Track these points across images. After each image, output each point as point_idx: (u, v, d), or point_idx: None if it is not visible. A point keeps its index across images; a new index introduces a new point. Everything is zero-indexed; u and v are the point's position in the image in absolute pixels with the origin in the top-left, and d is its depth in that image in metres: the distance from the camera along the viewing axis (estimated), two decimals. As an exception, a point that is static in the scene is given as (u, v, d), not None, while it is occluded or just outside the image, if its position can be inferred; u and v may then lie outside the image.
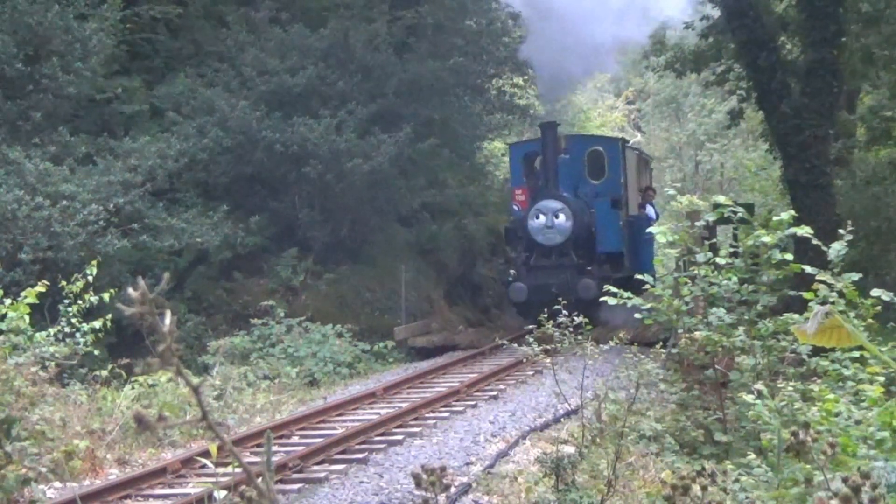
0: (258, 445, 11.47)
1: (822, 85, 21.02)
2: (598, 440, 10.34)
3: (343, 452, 11.46)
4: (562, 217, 21.30)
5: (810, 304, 8.76)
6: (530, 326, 12.40)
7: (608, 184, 22.97)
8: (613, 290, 11.20)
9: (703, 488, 3.45)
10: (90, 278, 14.25)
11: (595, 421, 10.75)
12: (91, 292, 14.10)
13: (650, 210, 24.63)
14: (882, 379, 8.09)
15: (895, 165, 26.26)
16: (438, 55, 25.15)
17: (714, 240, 12.77)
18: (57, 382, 12.48)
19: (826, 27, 20.96)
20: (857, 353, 8.67)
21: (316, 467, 10.87)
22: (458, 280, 27.13)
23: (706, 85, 32.08)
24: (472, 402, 14.62)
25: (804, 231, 9.94)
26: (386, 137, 22.55)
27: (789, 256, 10.53)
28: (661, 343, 12.11)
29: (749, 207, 12.85)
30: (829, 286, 9.26)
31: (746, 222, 10.73)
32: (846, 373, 8.77)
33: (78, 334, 13.98)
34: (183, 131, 21.26)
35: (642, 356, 11.08)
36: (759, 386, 8.30)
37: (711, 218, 11.21)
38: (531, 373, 16.69)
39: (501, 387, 16.04)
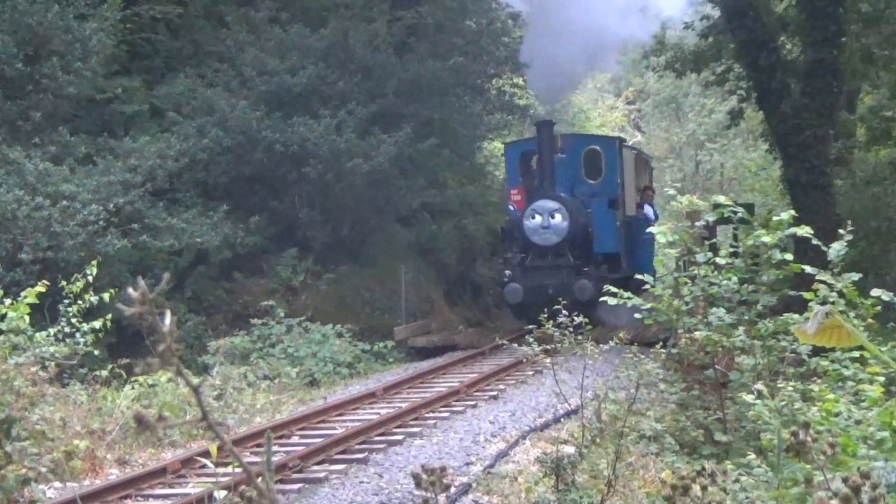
0: (258, 445, 11.47)
1: (822, 85, 21.02)
2: (598, 440, 10.34)
3: (343, 452, 11.46)
4: (558, 217, 21.13)
5: (810, 304, 8.76)
6: (530, 326, 12.38)
7: (605, 183, 22.80)
8: (613, 289, 11.21)
9: (703, 488, 3.45)
10: (90, 278, 14.24)
11: (595, 421, 10.75)
12: (91, 292, 14.10)
13: (649, 210, 24.49)
14: (882, 379, 8.09)
15: (895, 165, 26.26)
16: (438, 55, 25.14)
17: (714, 240, 12.76)
18: (57, 382, 12.48)
19: (826, 27, 20.96)
20: (857, 353, 8.67)
21: (316, 467, 10.87)
22: (458, 280, 27.13)
23: (706, 85, 32.09)
24: (472, 402, 14.62)
25: (804, 231, 9.94)
26: (386, 137, 22.54)
27: (789, 256, 10.52)
28: (661, 343, 12.10)
29: (749, 207, 12.85)
30: (829, 286, 9.26)
31: (746, 222, 10.73)
32: (846, 373, 8.76)
33: (78, 334, 13.98)
34: (183, 131, 21.26)
35: (642, 356, 11.08)
36: (759, 386, 8.30)
37: (711, 218, 11.21)
38: (531, 373, 16.69)
39: (501, 387, 16.04)
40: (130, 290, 1.74)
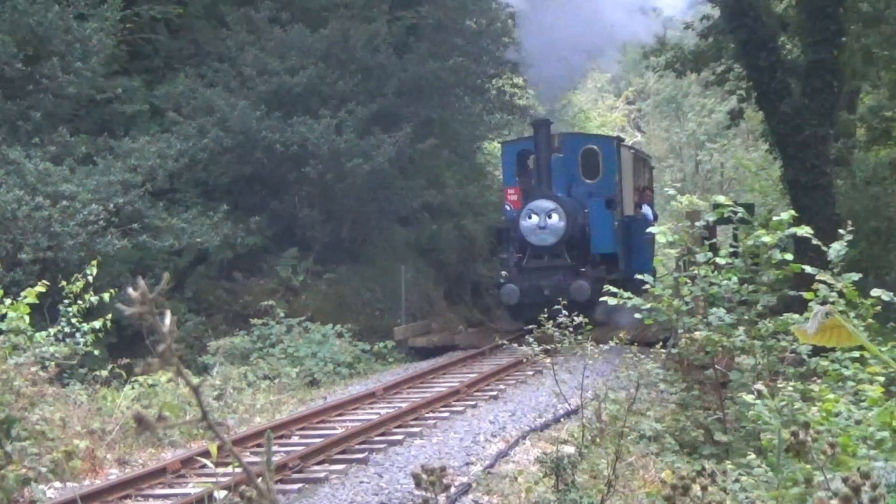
0: (258, 445, 11.47)
1: (822, 85, 21.03)
2: (598, 440, 10.35)
3: (343, 452, 11.46)
4: (555, 217, 20.87)
5: (810, 304, 8.77)
6: (531, 326, 12.37)
7: (603, 183, 22.57)
8: (613, 289, 11.21)
9: (703, 488, 3.45)
10: (90, 278, 14.24)
11: (595, 421, 10.75)
12: (91, 292, 14.09)
13: (647, 210, 24.35)
14: (882, 379, 8.10)
15: (895, 165, 26.27)
16: (438, 55, 25.13)
17: (714, 240, 12.77)
18: (57, 382, 12.49)
19: (826, 27, 20.97)
20: (857, 353, 8.68)
21: (316, 467, 10.87)
22: (458, 280, 27.12)
23: (706, 85, 32.12)
24: (472, 402, 14.61)
25: (804, 231, 9.95)
26: (386, 137, 22.53)
27: (789, 256, 10.54)
28: (661, 343, 12.09)
29: (749, 207, 12.86)
30: (829, 286, 9.27)
31: (746, 222, 10.74)
32: (846, 373, 8.77)
33: (78, 334, 13.97)
34: (183, 131, 21.26)
35: (642, 356, 11.08)
36: (759, 386, 8.30)
37: (711, 218, 11.22)
38: (531, 373, 16.69)
39: (501, 387, 16.03)
40: (130, 290, 1.74)
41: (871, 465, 4.94)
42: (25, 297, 12.65)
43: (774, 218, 10.78)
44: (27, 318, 12.63)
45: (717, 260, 10.86)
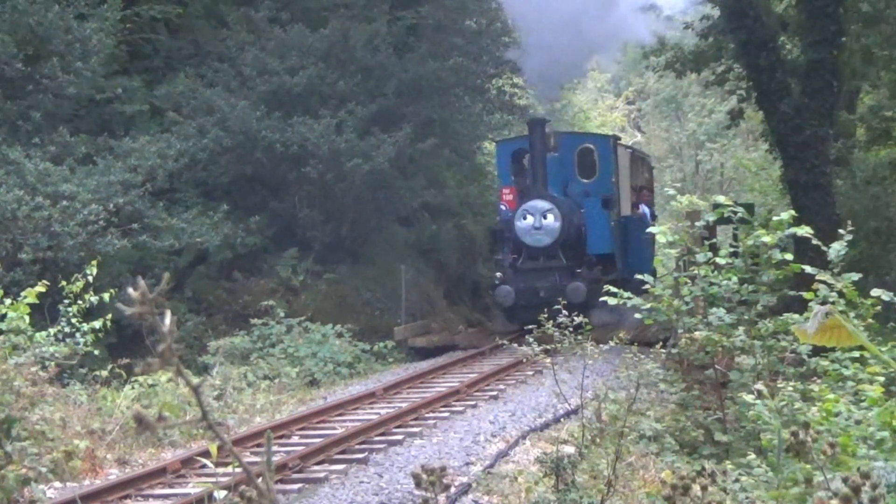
0: (258, 445, 11.47)
1: (822, 85, 21.03)
2: (598, 440, 10.35)
3: (343, 452, 11.46)
4: (550, 218, 20.65)
5: (810, 304, 8.77)
6: (530, 326, 12.35)
7: (599, 183, 22.32)
8: (613, 289, 11.21)
9: (703, 488, 3.45)
10: (90, 278, 14.23)
11: (595, 421, 10.75)
12: (91, 292, 14.09)
13: (645, 210, 24.14)
14: (882, 379, 8.10)
15: (895, 165, 26.28)
16: (438, 55, 25.12)
17: (714, 240, 12.76)
18: (57, 382, 12.49)
19: (826, 27, 20.96)
20: (857, 353, 8.68)
21: (316, 467, 10.87)
22: (458, 280, 27.11)
23: (706, 85, 32.12)
24: (472, 402, 14.61)
25: (804, 231, 9.95)
26: (386, 137, 22.53)
27: (789, 256, 10.54)
28: (661, 343, 12.09)
29: (749, 207, 12.86)
30: (829, 286, 9.27)
31: (746, 222, 10.74)
32: (846, 373, 8.77)
33: (78, 334, 13.97)
34: (183, 131, 21.26)
35: (642, 356, 11.08)
36: (759, 386, 8.30)
37: (711, 218, 11.22)
38: (531, 373, 16.69)
39: (501, 387, 16.03)
40: (130, 290, 1.74)
41: (871, 465, 4.94)
42: (25, 297, 12.65)
43: (774, 218, 10.79)
44: (27, 318, 12.62)
45: (717, 260, 10.86)
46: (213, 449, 4.24)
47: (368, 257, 24.07)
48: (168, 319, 1.75)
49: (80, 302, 14.07)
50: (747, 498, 6.30)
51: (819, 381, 8.99)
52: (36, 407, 10.78)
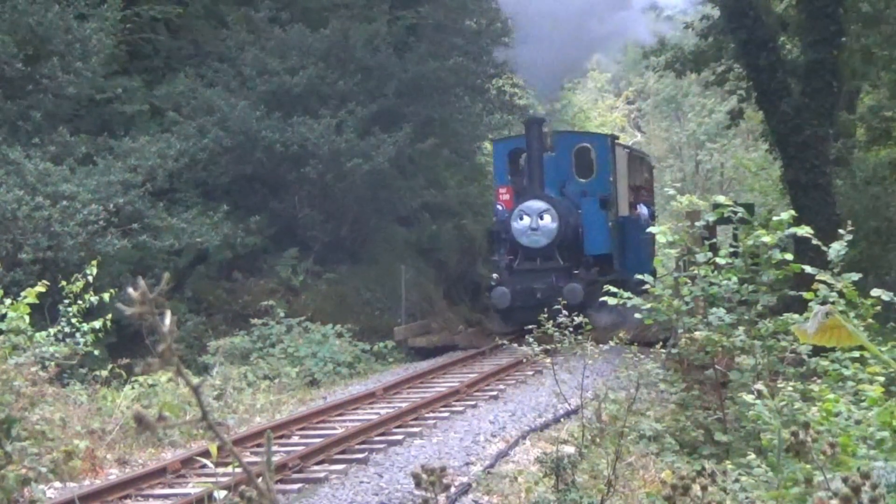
0: (258, 445, 11.47)
1: (822, 85, 21.02)
2: (598, 440, 10.34)
3: (343, 452, 11.46)
4: (547, 218, 20.42)
5: (810, 304, 8.77)
6: (530, 326, 12.34)
7: (597, 182, 22.09)
8: (613, 289, 11.21)
9: (703, 488, 3.45)
10: (90, 278, 14.23)
11: (595, 421, 10.75)
12: (91, 292, 14.09)
13: (643, 210, 23.97)
14: (882, 379, 8.10)
15: (895, 165, 26.27)
16: (438, 55, 25.12)
17: (714, 240, 12.76)
18: (57, 382, 12.49)
19: (826, 27, 20.96)
20: (857, 353, 8.68)
21: (316, 467, 10.87)
22: (458, 280, 27.11)
23: (706, 85, 32.11)
24: (472, 402, 14.62)
25: (804, 231, 9.95)
26: (386, 137, 22.53)
27: (789, 256, 10.54)
28: (661, 343, 12.09)
29: (749, 207, 12.86)
30: (829, 286, 9.27)
31: (746, 222, 10.75)
32: (846, 373, 8.77)
33: (78, 334, 13.97)
34: (183, 131, 21.26)
35: (642, 356, 11.08)
36: (759, 386, 8.30)
37: (711, 218, 11.23)
38: (531, 373, 16.69)
39: (501, 387, 16.03)
40: (130, 290, 1.74)
41: (871, 465, 4.94)
42: (25, 297, 12.65)
43: (774, 218, 10.79)
44: (27, 318, 12.62)
45: (717, 260, 10.86)
46: (213, 449, 4.24)
47: (368, 257, 24.07)
48: (168, 319, 1.75)
49: (80, 302, 14.07)
50: (747, 498, 6.30)
51: (819, 381, 8.99)
52: (36, 407, 10.78)
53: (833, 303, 8.86)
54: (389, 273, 23.34)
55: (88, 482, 10.69)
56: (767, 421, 7.64)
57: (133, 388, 14.18)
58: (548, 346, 11.62)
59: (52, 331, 13.58)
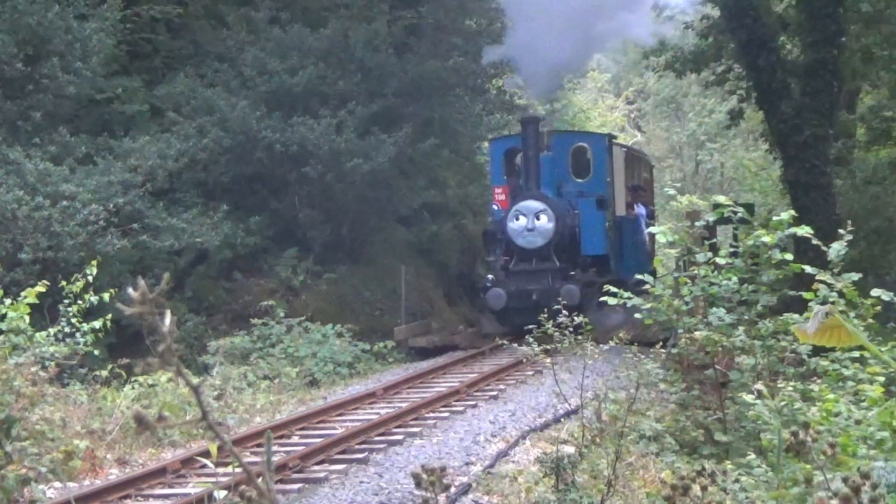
0: (258, 445, 11.47)
1: (822, 85, 21.02)
2: (598, 440, 10.34)
3: (343, 452, 11.46)
4: (543, 219, 20.14)
5: (810, 304, 8.78)
6: (531, 326, 12.31)
7: (594, 182, 21.84)
8: (613, 289, 11.21)
9: (703, 488, 3.45)
10: (90, 278, 14.24)
11: (595, 421, 10.75)
12: (91, 292, 14.10)
13: (641, 210, 23.63)
14: (882, 379, 8.11)
15: (895, 165, 26.27)
16: (438, 55, 25.12)
17: (714, 240, 12.76)
18: (57, 382, 12.49)
19: (826, 27, 20.96)
20: (857, 353, 8.68)
21: (316, 467, 10.87)
22: (458, 280, 27.11)
23: (706, 85, 32.09)
24: (472, 402, 14.61)
25: (804, 231, 9.96)
26: (386, 137, 22.52)
27: (789, 256, 10.55)
28: (661, 343, 12.08)
29: (749, 207, 12.88)
30: (829, 286, 9.27)
31: (746, 222, 10.76)
32: (846, 373, 8.78)
33: (78, 334, 13.97)
34: (183, 131, 21.26)
35: (642, 356, 11.08)
36: (759, 386, 8.31)
37: (711, 218, 11.23)
38: (531, 373, 16.68)
39: (501, 387, 16.03)
40: (130, 290, 1.74)
41: (871, 465, 4.94)
42: (25, 297, 12.66)
43: (774, 218, 10.80)
44: (27, 318, 12.63)
45: (717, 260, 10.87)
46: (213, 449, 4.24)
47: (368, 257, 24.07)
48: (168, 319, 1.75)
49: (80, 302, 14.07)
50: (747, 498, 6.30)
51: (819, 381, 9.00)
52: (36, 407, 10.78)
53: (833, 303, 8.87)
54: (389, 273, 23.34)
55: (88, 482, 10.70)
56: (767, 421, 7.64)
57: (133, 388, 14.18)
58: (548, 347, 11.62)
59: (52, 331, 13.58)
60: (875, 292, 9.12)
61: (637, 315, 11.47)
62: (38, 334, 12.96)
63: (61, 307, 14.16)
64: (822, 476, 3.53)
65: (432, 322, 23.36)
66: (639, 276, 11.78)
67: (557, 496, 8.80)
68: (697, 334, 10.75)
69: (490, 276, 20.64)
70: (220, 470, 8.05)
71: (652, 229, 12.68)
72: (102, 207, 18.13)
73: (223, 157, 21.81)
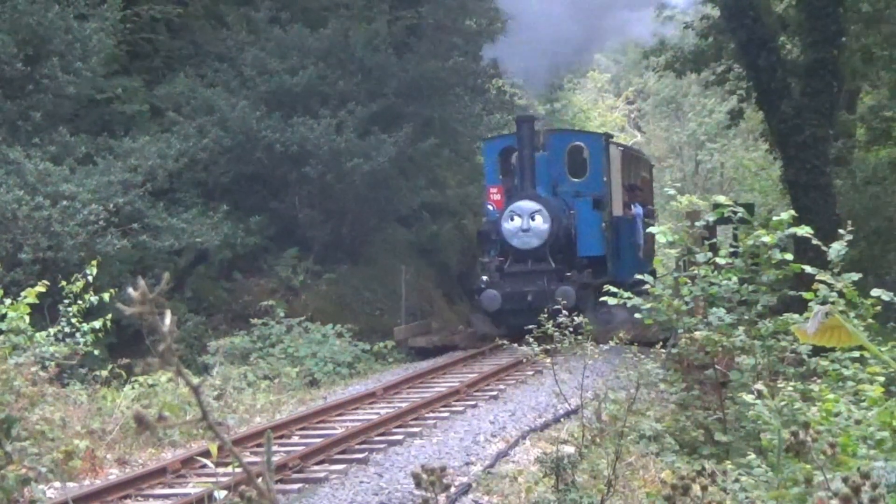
0: (258, 445, 11.47)
1: (822, 85, 21.02)
2: (598, 440, 10.34)
3: (343, 452, 11.46)
4: (539, 219, 19.88)
5: (810, 304, 8.78)
6: (530, 327, 12.29)
7: (590, 182, 21.54)
8: (613, 289, 11.20)
9: (703, 488, 3.45)
10: (90, 278, 14.23)
11: (595, 421, 10.75)
12: (91, 292, 14.09)
13: (638, 210, 23.28)
14: (882, 379, 8.11)
15: (895, 165, 26.27)
16: (438, 55, 25.12)
17: (714, 240, 12.76)
18: (57, 382, 12.48)
19: (826, 27, 20.97)
20: (857, 353, 8.68)
21: (316, 467, 10.87)
22: (458, 280, 27.10)
23: (706, 85, 32.09)
24: (472, 402, 14.61)
25: (804, 231, 9.96)
26: (386, 137, 22.52)
27: (789, 256, 10.55)
28: (661, 343, 12.08)
29: (749, 207, 12.88)
30: (829, 286, 9.27)
31: (746, 222, 10.75)
32: (846, 373, 8.78)
33: (78, 334, 13.97)
34: (183, 131, 21.27)
35: (642, 356, 11.08)
36: (759, 386, 8.31)
37: (711, 218, 11.23)
38: (531, 373, 16.67)
39: (501, 387, 16.02)
40: (130, 290, 1.74)
41: (871, 465, 4.94)
42: (25, 297, 12.66)
43: (774, 218, 10.80)
44: (27, 318, 12.63)
45: (717, 260, 10.87)
46: (213, 449, 4.24)
47: (368, 257, 24.07)
48: (168, 319, 1.75)
49: (80, 302, 14.07)
50: (747, 498, 6.30)
51: (819, 381, 9.00)
52: (36, 407, 10.78)
53: (833, 303, 8.87)
54: (389, 273, 23.34)
55: (88, 482, 10.70)
56: (767, 421, 7.64)
57: (133, 388, 14.18)
58: (548, 347, 11.62)
59: (52, 331, 13.58)
60: (875, 292, 9.12)
61: (637, 315, 11.46)
62: (38, 334, 12.96)
63: (61, 307, 14.16)
64: (822, 476, 3.53)
65: (432, 322, 23.33)
66: (638, 277, 11.77)
67: (557, 496, 8.80)
68: (697, 334, 10.75)
69: (484, 278, 20.36)
70: (220, 470, 8.05)
71: (652, 229, 12.66)
72: (102, 207, 18.13)
73: (223, 157, 21.82)
